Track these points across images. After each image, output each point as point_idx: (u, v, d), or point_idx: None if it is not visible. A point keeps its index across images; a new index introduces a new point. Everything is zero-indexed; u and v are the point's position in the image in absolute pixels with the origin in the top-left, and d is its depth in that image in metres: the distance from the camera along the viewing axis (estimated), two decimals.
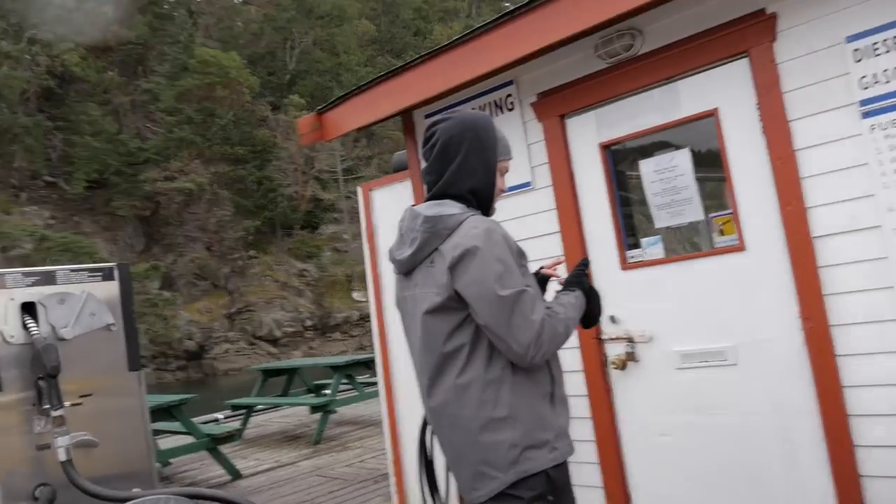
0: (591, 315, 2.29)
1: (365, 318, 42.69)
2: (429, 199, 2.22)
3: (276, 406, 9.79)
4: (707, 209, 3.25)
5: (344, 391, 10.17)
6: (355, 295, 43.78)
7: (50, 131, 40.16)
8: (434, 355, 2.11)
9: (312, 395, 10.57)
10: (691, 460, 3.31)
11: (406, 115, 4.30)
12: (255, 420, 10.59)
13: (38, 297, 3.77)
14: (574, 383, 3.64)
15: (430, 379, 2.14)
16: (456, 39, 3.65)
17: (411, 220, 2.18)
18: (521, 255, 2.12)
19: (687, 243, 3.41)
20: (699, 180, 3.24)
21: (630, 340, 3.46)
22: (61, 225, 37.84)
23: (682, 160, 3.25)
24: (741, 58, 3.04)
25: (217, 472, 7.48)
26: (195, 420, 10.46)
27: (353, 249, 44.51)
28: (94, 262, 33.28)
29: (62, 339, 3.78)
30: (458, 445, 2.10)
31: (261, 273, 42.44)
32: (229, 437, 7.30)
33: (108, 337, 3.95)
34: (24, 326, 3.69)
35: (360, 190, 5.22)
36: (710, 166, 3.23)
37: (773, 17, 2.91)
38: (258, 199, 43.88)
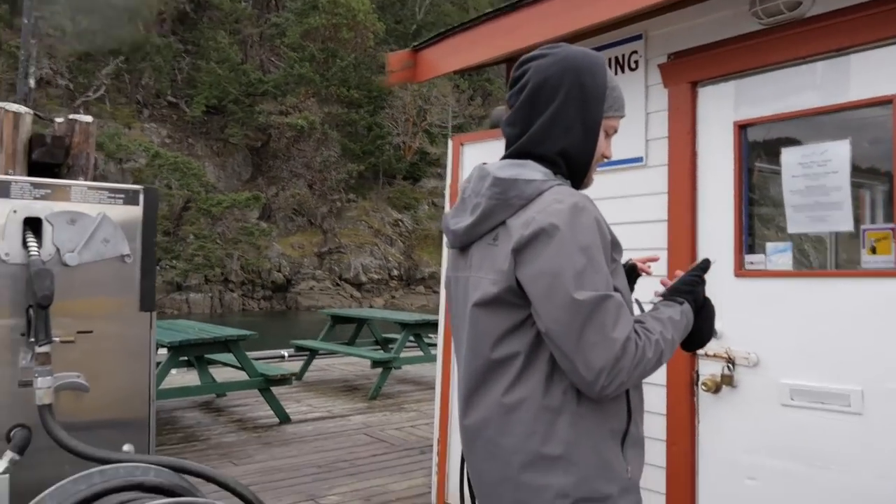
0: (698, 337, 1.75)
1: None
2: (506, 157, 1.70)
3: (339, 353, 9.60)
4: (860, 219, 2.61)
5: (409, 349, 9.88)
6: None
7: (179, 54, 41.47)
8: (479, 360, 1.62)
9: (379, 348, 10.33)
10: None
11: (512, 62, 3.77)
12: (317, 363, 10.45)
13: (46, 214, 3.30)
14: (651, 398, 3.10)
15: (470, 390, 1.65)
16: None
17: (478, 182, 1.67)
18: (614, 248, 1.59)
19: (824, 257, 2.79)
20: (856, 182, 2.60)
21: (730, 361, 2.88)
22: (176, 145, 39.23)
23: (838, 154, 2.61)
24: None
25: (267, 412, 7.31)
26: (262, 353, 10.47)
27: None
28: (202, 185, 34.30)
29: (65, 265, 3.32)
30: (493, 481, 1.60)
31: (356, 217, 42.94)
32: (283, 381, 7.09)
33: (120, 269, 3.46)
34: (25, 244, 3.24)
35: (451, 142, 4.76)
36: (874, 167, 2.59)
37: None
38: (366, 144, 44.16)
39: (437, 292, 43.06)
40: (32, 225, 3.29)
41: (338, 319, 10.11)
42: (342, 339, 10.38)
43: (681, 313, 1.67)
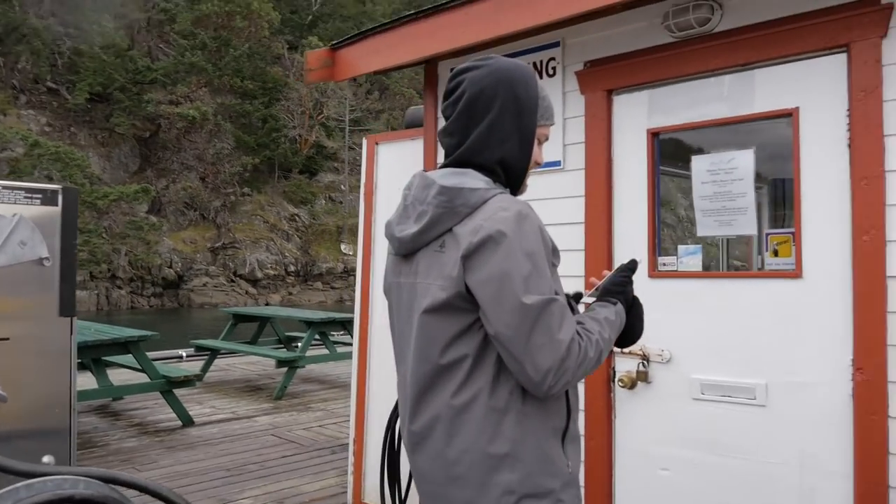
0: (630, 334, 1.83)
1: (350, 271, 42.41)
2: (446, 165, 1.73)
3: (241, 352, 9.38)
4: (763, 223, 2.79)
5: (314, 347, 9.77)
6: (343, 247, 43.47)
7: (60, 37, 39.14)
8: (428, 364, 1.64)
9: (282, 347, 10.16)
10: (689, 501, 2.89)
11: (430, 64, 3.80)
12: (217, 363, 10.19)
13: None
14: None
15: (419, 392, 1.67)
16: None
17: (421, 190, 1.69)
18: (554, 254, 1.66)
19: (731, 259, 2.96)
20: (759, 189, 2.78)
21: (645, 358, 3.02)
22: (57, 134, 37.12)
23: (743, 162, 2.78)
24: (839, 52, 2.56)
25: (168, 415, 7.08)
26: (159, 353, 10.08)
27: (348, 201, 44.09)
28: (86, 177, 32.52)
29: None
30: (440, 480, 1.63)
31: (251, 211, 41.94)
32: (186, 382, 6.88)
33: (38, 272, 3.29)
34: None
35: (365, 141, 4.74)
36: (776, 175, 2.78)
37: (889, 8, 2.43)
38: (261, 136, 43.19)
39: (335, 288, 42.66)
40: None
41: (240, 318, 9.88)
42: (242, 338, 10.14)
43: (615, 313, 1.75)
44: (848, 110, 2.53)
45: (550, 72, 3.35)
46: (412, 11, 3.51)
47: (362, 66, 3.76)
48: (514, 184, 1.75)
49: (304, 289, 41.13)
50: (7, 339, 3.18)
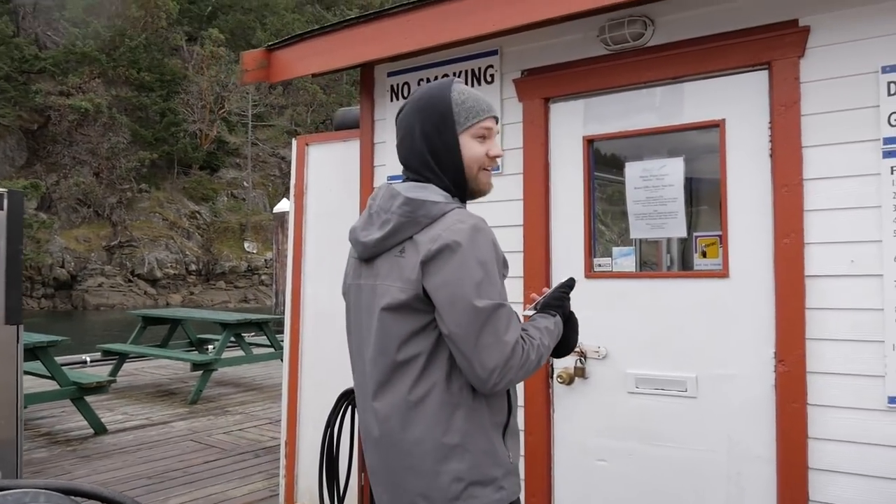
0: (565, 345, 2.01)
1: (254, 269, 41.49)
2: (408, 179, 1.90)
3: (152, 356, 9.09)
4: (692, 227, 2.98)
5: (229, 349, 9.58)
6: (247, 245, 42.49)
7: None
8: (386, 359, 1.79)
9: (194, 349, 9.91)
10: (625, 490, 3.06)
11: (367, 68, 3.83)
12: (125, 367, 9.82)
13: None
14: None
15: (376, 388, 1.82)
16: None
17: (386, 200, 1.85)
18: (505, 266, 1.84)
19: (662, 260, 3.14)
20: (688, 195, 2.96)
21: (582, 354, 3.17)
22: None
23: (673, 169, 2.96)
24: (761, 69, 2.76)
25: (79, 423, 6.81)
26: (60, 358, 9.62)
27: (251, 198, 43.10)
28: None
29: None
30: (395, 469, 1.79)
31: (149, 209, 40.45)
32: (99, 388, 6.63)
33: None
34: None
35: (295, 142, 4.72)
36: (704, 182, 2.97)
37: (806, 30, 2.65)
38: (159, 130, 41.66)
39: (238, 287, 41.62)
40: None
41: (150, 320, 9.57)
42: (150, 341, 9.83)
43: (554, 324, 1.92)
44: (770, 123, 2.74)
45: (489, 79, 3.45)
46: (358, 15, 3.53)
47: (299, 68, 3.76)
48: (464, 187, 1.88)
49: (207, 288, 39.98)
50: None
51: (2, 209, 3.14)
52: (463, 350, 1.68)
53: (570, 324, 2.00)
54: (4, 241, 3.18)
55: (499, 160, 3.37)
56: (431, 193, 1.81)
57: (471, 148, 1.86)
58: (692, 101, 2.93)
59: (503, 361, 1.68)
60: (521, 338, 1.74)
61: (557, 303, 1.98)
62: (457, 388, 1.75)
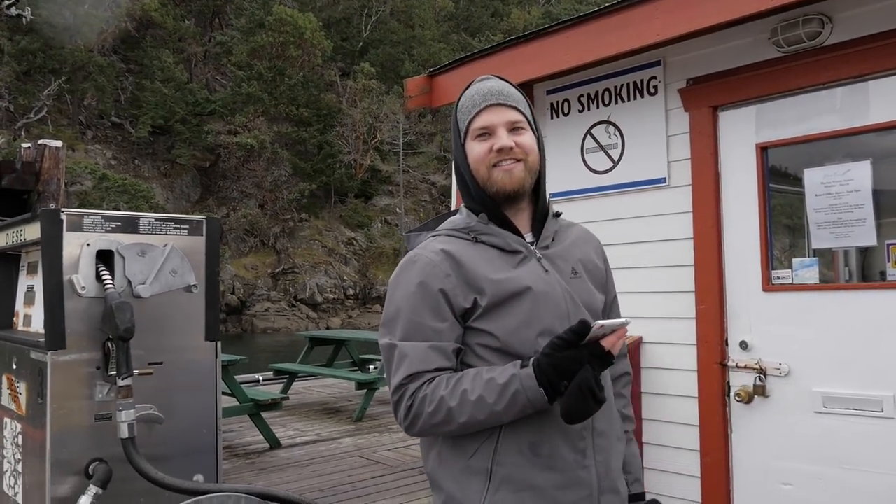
0: (565, 408, 1.49)
1: None
2: None
3: (317, 375, 9.53)
4: (883, 234, 2.78)
5: None
6: None
7: (122, 73, 40.69)
8: None
9: (357, 369, 10.29)
10: None
11: (526, 87, 3.88)
12: (294, 386, 10.36)
13: (117, 246, 3.28)
14: (684, 411, 3.23)
15: None
16: (598, 11, 3.23)
17: None
18: (470, 289, 1.60)
19: (850, 271, 2.94)
20: (878, 200, 2.76)
21: (762, 372, 3.01)
22: (122, 167, 38.41)
23: (859, 174, 2.78)
24: None
25: (255, 437, 7.24)
26: (237, 378, 10.32)
27: (403, 224, 44.39)
28: (151, 207, 33.64)
29: (137, 297, 3.29)
30: None
31: (309, 236, 42.60)
32: (274, 405, 7.03)
33: (187, 299, 3.45)
34: (98, 278, 3.21)
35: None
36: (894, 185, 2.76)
37: None
38: (317, 162, 43.93)
39: None
40: (103, 257, 3.29)
41: (316, 341, 10.05)
42: (315, 362, 10.30)
43: (511, 377, 1.51)
44: None
45: (652, 90, 3.39)
46: (515, 36, 3.59)
47: (459, 92, 3.85)
48: (485, 193, 1.66)
49: (364, 312, 41.50)
50: (161, 363, 3.34)
51: (201, 234, 3.42)
52: None
53: (571, 385, 1.47)
54: (204, 265, 3.47)
55: (654, 175, 3.34)
56: (445, 222, 1.73)
57: (472, 150, 1.66)
58: (879, 100, 2.74)
59: (395, 401, 1.59)
60: (428, 381, 1.55)
61: (547, 350, 1.50)
62: None
